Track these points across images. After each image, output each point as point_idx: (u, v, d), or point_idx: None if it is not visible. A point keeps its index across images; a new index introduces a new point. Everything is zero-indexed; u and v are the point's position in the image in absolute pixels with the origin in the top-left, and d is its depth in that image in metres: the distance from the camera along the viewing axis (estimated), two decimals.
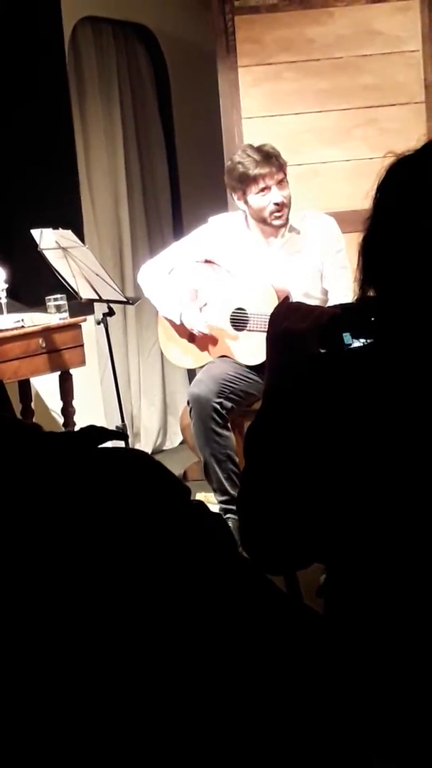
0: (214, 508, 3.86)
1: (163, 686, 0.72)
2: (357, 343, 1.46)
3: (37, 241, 4.23)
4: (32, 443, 0.76)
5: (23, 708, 0.70)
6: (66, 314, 4.51)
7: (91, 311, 4.84)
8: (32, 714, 0.69)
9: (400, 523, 1.30)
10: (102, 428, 0.80)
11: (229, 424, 3.96)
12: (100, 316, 4.43)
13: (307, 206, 4.17)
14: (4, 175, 4.85)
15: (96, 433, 0.79)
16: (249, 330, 4.04)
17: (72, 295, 4.43)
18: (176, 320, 4.11)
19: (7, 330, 4.27)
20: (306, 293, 3.96)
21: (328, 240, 4.01)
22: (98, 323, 4.46)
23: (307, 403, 1.37)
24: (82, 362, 4.62)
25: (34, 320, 4.42)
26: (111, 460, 0.77)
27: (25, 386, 4.69)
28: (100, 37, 5.66)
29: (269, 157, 3.90)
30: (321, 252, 4.00)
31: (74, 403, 4.67)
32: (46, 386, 4.91)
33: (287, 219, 3.99)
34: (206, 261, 4.15)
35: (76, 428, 0.86)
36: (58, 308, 4.48)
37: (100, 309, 4.53)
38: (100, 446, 0.79)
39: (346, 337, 1.47)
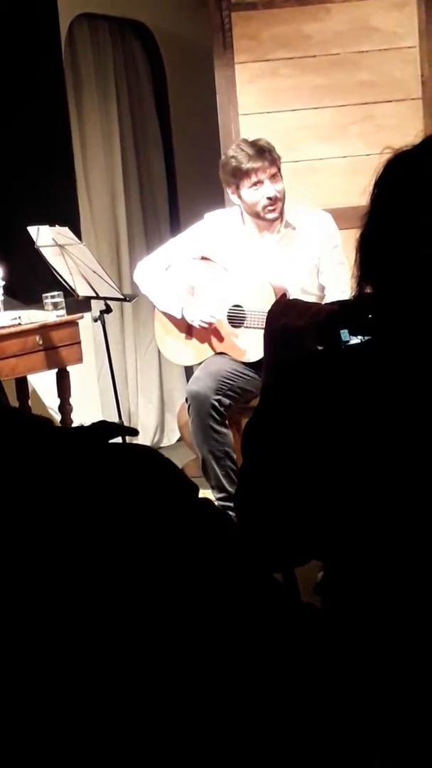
0: None
1: (166, 676, 0.72)
2: (354, 340, 1.46)
3: (34, 239, 4.22)
4: (45, 437, 0.76)
5: (23, 700, 0.69)
6: (63, 311, 4.50)
7: (88, 308, 4.83)
8: (32, 705, 0.69)
9: (397, 520, 1.30)
10: (113, 423, 0.80)
11: (227, 421, 3.96)
12: (97, 314, 4.42)
13: (304, 202, 4.17)
14: (0, 172, 4.85)
15: (107, 428, 0.79)
16: (246, 327, 4.03)
17: (69, 293, 4.42)
18: (177, 315, 4.10)
19: (4, 327, 4.26)
20: (303, 289, 3.95)
21: (324, 236, 4.01)
22: (95, 320, 4.46)
23: (305, 400, 1.36)
24: (79, 359, 4.62)
25: (31, 317, 4.42)
26: (122, 454, 0.77)
27: (22, 384, 4.69)
28: (96, 34, 5.65)
29: (262, 151, 3.90)
30: (317, 248, 4.00)
31: (71, 400, 4.67)
32: (43, 384, 4.90)
33: (281, 212, 3.99)
34: (202, 258, 4.15)
35: (73, 426, 0.86)
36: (55, 305, 4.48)
37: (97, 306, 4.53)
38: (111, 441, 0.79)
39: (344, 334, 1.47)
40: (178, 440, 5.89)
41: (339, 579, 1.42)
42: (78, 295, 4.38)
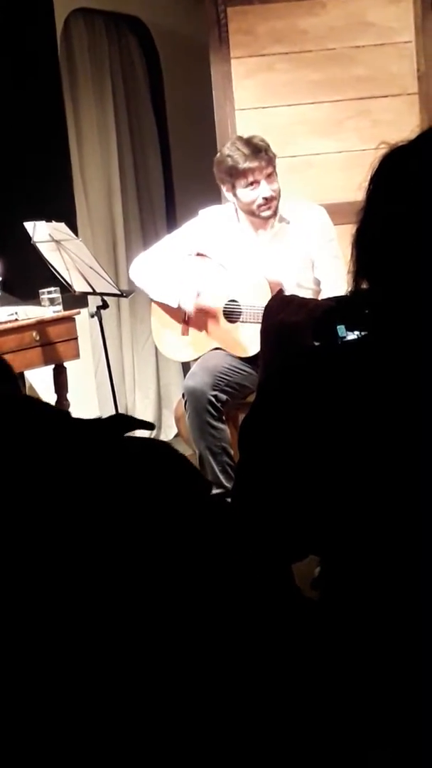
0: None
1: (172, 667, 0.72)
2: (351, 336, 1.46)
3: (31, 234, 4.22)
4: (63, 428, 0.77)
5: (23, 693, 0.70)
6: (60, 307, 4.50)
7: (85, 304, 4.83)
8: (32, 700, 0.69)
9: (394, 515, 1.30)
10: (130, 417, 0.81)
11: (223, 417, 3.97)
12: (94, 309, 4.42)
13: (300, 197, 4.17)
14: None
15: (124, 421, 0.79)
16: (242, 322, 4.04)
17: (66, 288, 4.42)
18: (173, 303, 4.09)
19: (0, 323, 4.26)
20: (298, 284, 3.95)
21: (318, 230, 4.00)
22: (92, 316, 4.46)
23: (301, 396, 1.36)
24: (76, 355, 4.62)
25: (27, 313, 4.41)
26: (138, 448, 0.78)
27: (18, 380, 4.68)
28: (92, 29, 5.64)
29: (258, 150, 3.88)
30: (312, 242, 3.99)
31: (68, 396, 4.66)
32: (40, 379, 4.90)
33: (276, 210, 3.99)
34: (198, 254, 4.15)
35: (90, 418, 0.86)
36: (52, 301, 4.48)
37: (93, 302, 4.53)
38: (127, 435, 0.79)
39: (340, 330, 1.47)
40: (175, 436, 5.89)
41: (337, 574, 1.42)
42: (75, 291, 4.38)
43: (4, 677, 0.69)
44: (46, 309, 4.47)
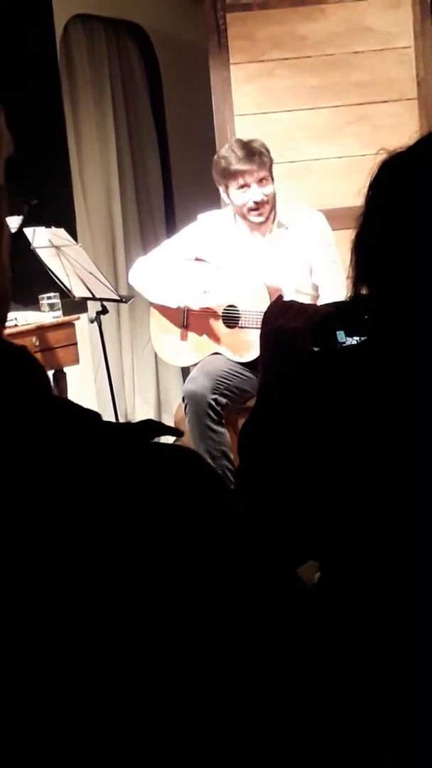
0: None
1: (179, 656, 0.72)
2: (351, 341, 1.46)
3: (30, 240, 4.22)
4: (94, 430, 0.77)
5: (21, 681, 0.70)
6: (59, 313, 4.50)
7: (85, 309, 4.83)
8: (29, 689, 0.69)
9: (393, 520, 1.30)
10: (159, 423, 0.81)
11: (223, 421, 3.97)
12: (94, 315, 4.42)
13: (299, 203, 4.17)
14: None
15: (153, 427, 0.79)
16: (241, 327, 4.04)
17: (65, 294, 4.42)
18: (173, 305, 4.09)
19: None
20: (296, 289, 3.96)
21: (317, 235, 4.00)
22: (92, 321, 4.46)
23: (301, 402, 1.37)
24: (76, 360, 4.62)
25: (27, 319, 4.42)
26: (168, 455, 0.78)
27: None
28: (91, 35, 5.65)
29: (252, 154, 3.88)
30: (310, 247, 3.99)
31: None
32: None
33: (268, 216, 3.98)
34: (196, 259, 4.15)
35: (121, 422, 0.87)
36: (52, 307, 4.48)
37: (93, 307, 4.53)
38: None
39: (340, 335, 1.47)
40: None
41: (336, 579, 1.42)
42: (74, 297, 4.38)
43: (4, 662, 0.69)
44: (45, 314, 4.47)
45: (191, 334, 4.16)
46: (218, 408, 3.90)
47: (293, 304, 1.59)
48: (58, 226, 4.27)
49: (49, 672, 0.69)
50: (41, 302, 4.47)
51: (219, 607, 0.75)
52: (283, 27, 4.80)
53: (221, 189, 4.02)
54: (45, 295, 4.48)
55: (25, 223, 4.23)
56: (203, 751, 0.72)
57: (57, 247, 4.24)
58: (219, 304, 4.07)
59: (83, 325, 4.78)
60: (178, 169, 6.19)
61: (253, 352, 3.93)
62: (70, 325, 4.57)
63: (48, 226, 4.25)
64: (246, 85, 4.84)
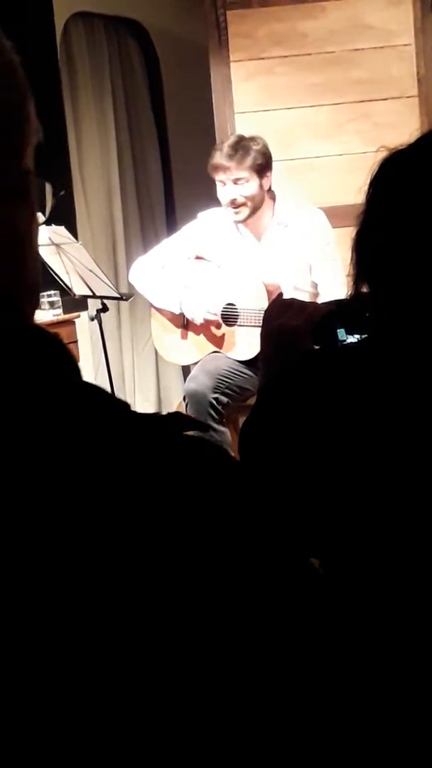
0: None
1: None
2: (351, 339, 1.46)
3: None
4: (124, 419, 0.77)
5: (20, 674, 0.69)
6: (59, 310, 4.50)
7: (85, 307, 4.83)
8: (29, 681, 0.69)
9: (395, 519, 1.30)
10: (186, 416, 0.81)
11: (224, 419, 3.97)
12: (94, 312, 4.42)
13: (298, 200, 4.17)
14: None
15: (181, 420, 0.80)
16: (240, 325, 4.04)
17: (65, 292, 4.42)
18: (175, 310, 4.10)
19: None
20: (295, 287, 3.95)
21: (316, 233, 4.00)
22: (92, 319, 4.46)
23: (301, 400, 1.36)
24: (76, 359, 4.61)
25: None
26: (199, 448, 0.78)
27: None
28: (92, 32, 5.65)
29: (235, 151, 3.86)
30: (309, 245, 3.99)
31: None
32: None
33: (250, 216, 3.95)
34: (197, 257, 4.15)
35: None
36: (52, 304, 4.48)
37: (93, 305, 4.53)
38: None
39: (341, 333, 1.47)
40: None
41: (337, 577, 1.42)
42: (74, 294, 4.38)
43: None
44: (45, 312, 4.47)
45: (191, 333, 4.16)
46: (219, 407, 3.90)
47: (294, 302, 1.59)
48: (58, 223, 4.27)
49: (51, 650, 0.69)
50: (41, 300, 4.47)
51: (246, 596, 0.75)
52: (283, 24, 4.80)
53: None
54: (45, 293, 4.47)
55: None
56: (208, 736, 0.73)
57: (57, 245, 4.24)
58: (216, 304, 4.06)
59: (83, 323, 4.78)
60: (178, 167, 6.19)
61: (252, 351, 3.93)
62: (70, 323, 4.57)
63: (48, 223, 4.25)
64: (246, 82, 4.83)
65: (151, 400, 6.05)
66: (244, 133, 4.14)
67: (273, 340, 1.56)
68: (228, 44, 4.80)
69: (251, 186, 3.89)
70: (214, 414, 3.90)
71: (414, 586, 1.30)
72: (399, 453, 1.29)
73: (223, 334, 4.09)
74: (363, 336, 1.44)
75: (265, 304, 3.78)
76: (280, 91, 4.83)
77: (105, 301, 4.39)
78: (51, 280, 4.39)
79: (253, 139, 3.94)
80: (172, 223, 5.98)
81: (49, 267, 4.31)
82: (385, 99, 4.81)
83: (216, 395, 3.89)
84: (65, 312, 4.53)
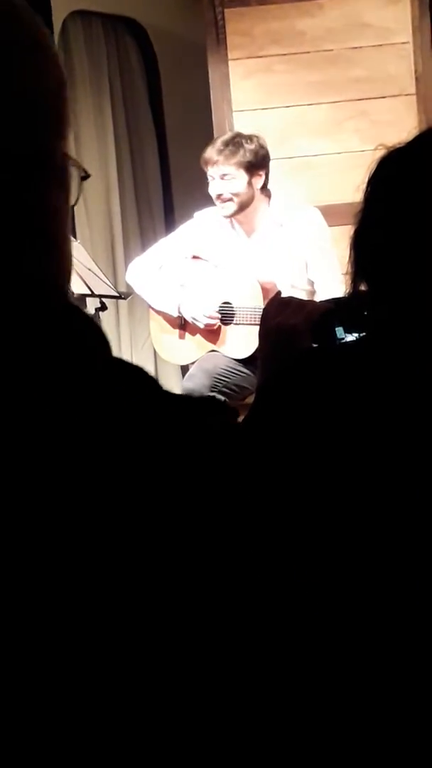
0: None
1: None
2: (350, 338, 1.46)
3: None
4: (157, 395, 0.78)
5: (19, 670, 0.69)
6: None
7: (84, 306, 4.83)
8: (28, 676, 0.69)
9: (394, 518, 1.30)
10: (220, 401, 0.83)
11: None
12: (93, 311, 4.42)
13: (293, 198, 4.17)
14: None
15: (213, 404, 0.81)
16: (236, 324, 4.04)
17: None
18: (173, 313, 4.10)
19: None
20: (291, 285, 3.95)
21: (312, 231, 3.99)
22: None
23: (300, 398, 1.36)
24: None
25: None
26: (227, 431, 0.79)
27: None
28: (90, 31, 5.64)
29: (225, 146, 3.89)
30: (306, 243, 3.99)
31: None
32: None
33: (233, 213, 3.96)
34: (194, 257, 4.15)
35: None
36: None
37: (92, 304, 4.52)
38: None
39: (339, 332, 1.47)
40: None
41: (336, 577, 1.42)
42: (73, 293, 4.37)
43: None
44: None
45: (189, 333, 4.17)
46: None
47: (292, 301, 1.59)
48: None
49: (54, 638, 0.69)
50: None
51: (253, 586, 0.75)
52: (281, 22, 4.79)
53: None
54: None
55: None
56: (206, 727, 0.73)
57: None
58: (213, 303, 4.06)
59: None
60: (176, 165, 6.18)
61: (248, 349, 3.94)
62: None
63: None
64: (244, 80, 4.83)
65: None
66: (243, 131, 4.14)
67: (271, 339, 1.56)
68: (226, 42, 4.80)
69: (238, 183, 3.90)
70: None
71: (413, 585, 1.30)
72: (398, 452, 1.29)
73: (220, 333, 4.09)
74: (361, 334, 1.44)
75: (260, 303, 3.79)
76: (279, 89, 4.83)
77: (103, 299, 4.38)
78: None
79: (249, 137, 3.95)
80: (170, 221, 5.97)
81: None
82: (384, 97, 4.81)
83: (213, 394, 3.89)
84: None
